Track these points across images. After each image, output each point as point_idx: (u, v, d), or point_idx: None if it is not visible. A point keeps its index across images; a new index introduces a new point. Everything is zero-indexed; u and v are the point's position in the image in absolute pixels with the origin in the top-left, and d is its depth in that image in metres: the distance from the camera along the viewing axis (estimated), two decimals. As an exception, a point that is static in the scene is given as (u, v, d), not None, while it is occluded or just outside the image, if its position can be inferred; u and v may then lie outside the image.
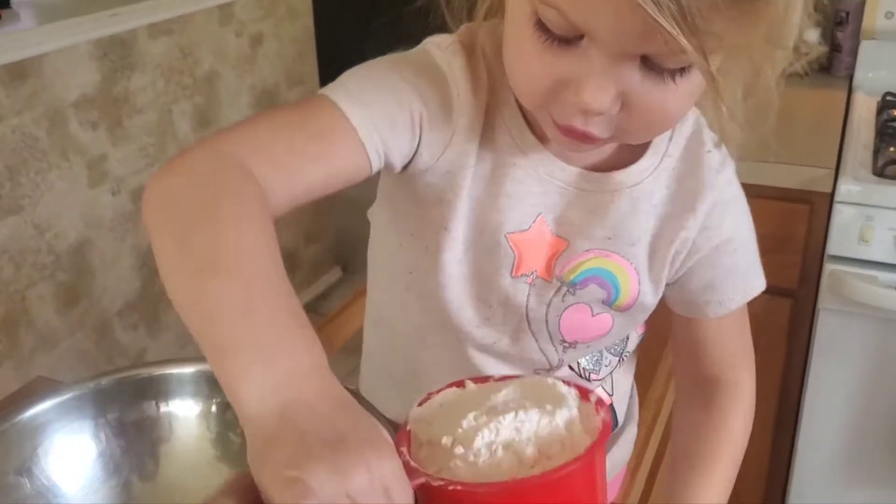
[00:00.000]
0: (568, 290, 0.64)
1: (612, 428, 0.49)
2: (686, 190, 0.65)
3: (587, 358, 0.73)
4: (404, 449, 0.47)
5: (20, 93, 1.79)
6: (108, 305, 2.10)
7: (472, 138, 0.61)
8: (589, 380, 0.73)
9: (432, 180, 0.63)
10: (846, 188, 1.39)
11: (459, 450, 0.45)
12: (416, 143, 0.61)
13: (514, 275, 0.63)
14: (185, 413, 0.71)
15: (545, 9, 0.50)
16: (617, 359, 0.75)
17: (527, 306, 0.64)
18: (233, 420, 0.70)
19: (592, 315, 0.65)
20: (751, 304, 1.58)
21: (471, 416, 0.47)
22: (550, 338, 0.66)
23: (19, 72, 1.78)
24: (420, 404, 0.50)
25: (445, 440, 0.46)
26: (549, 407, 0.46)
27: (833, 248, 1.43)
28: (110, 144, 2.03)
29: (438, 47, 0.63)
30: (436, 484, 0.44)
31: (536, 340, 0.66)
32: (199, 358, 0.68)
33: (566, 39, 0.51)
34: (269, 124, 0.57)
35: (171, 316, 2.26)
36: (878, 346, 1.45)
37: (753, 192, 1.51)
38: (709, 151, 0.66)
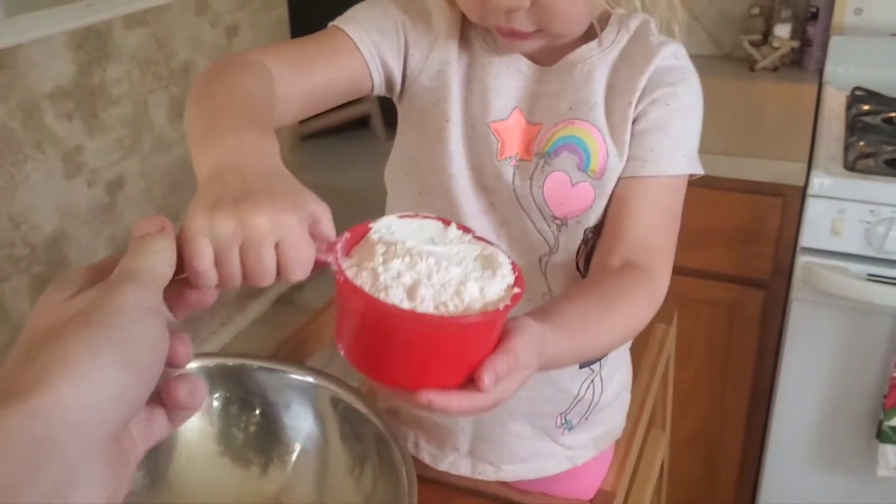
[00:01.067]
0: (545, 161, 0.72)
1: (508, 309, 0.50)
2: (634, 59, 0.73)
3: None
4: (346, 234, 0.53)
5: (-5, 84, 1.78)
6: (84, 298, 2.09)
7: (452, 41, 0.74)
8: None
9: (427, 83, 0.74)
10: (818, 182, 1.43)
11: (377, 262, 0.50)
12: (404, 45, 0.73)
13: (499, 158, 0.73)
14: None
15: None
16: None
17: (514, 185, 0.72)
18: (235, 415, 0.72)
19: (572, 184, 0.71)
20: (724, 294, 1.62)
21: (410, 243, 0.51)
22: (542, 214, 0.72)
23: (-7, 62, 1.77)
24: (402, 217, 0.56)
25: (379, 248, 0.51)
26: (475, 272, 0.51)
27: (805, 240, 1.47)
28: (86, 136, 2.02)
29: None
30: (333, 267, 0.50)
31: (531, 220, 0.73)
32: (198, 354, 0.69)
33: None
34: (285, 42, 0.72)
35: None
36: (848, 335, 1.50)
37: (726, 186, 1.56)
38: (653, 34, 0.74)
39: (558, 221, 0.73)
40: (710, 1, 2.01)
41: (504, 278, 0.51)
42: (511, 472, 0.86)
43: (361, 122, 4.08)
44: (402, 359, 0.50)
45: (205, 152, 0.54)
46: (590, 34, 0.73)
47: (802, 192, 1.47)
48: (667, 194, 0.73)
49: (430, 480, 0.83)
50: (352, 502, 0.68)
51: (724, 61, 2.03)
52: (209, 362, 0.74)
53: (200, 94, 0.61)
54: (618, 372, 0.87)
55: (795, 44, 1.90)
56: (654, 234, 0.72)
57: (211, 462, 0.71)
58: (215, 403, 0.73)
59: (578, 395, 0.83)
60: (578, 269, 0.76)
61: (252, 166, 0.52)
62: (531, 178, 0.72)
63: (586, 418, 0.85)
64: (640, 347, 1.05)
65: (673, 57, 0.73)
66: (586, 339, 0.63)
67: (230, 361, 0.75)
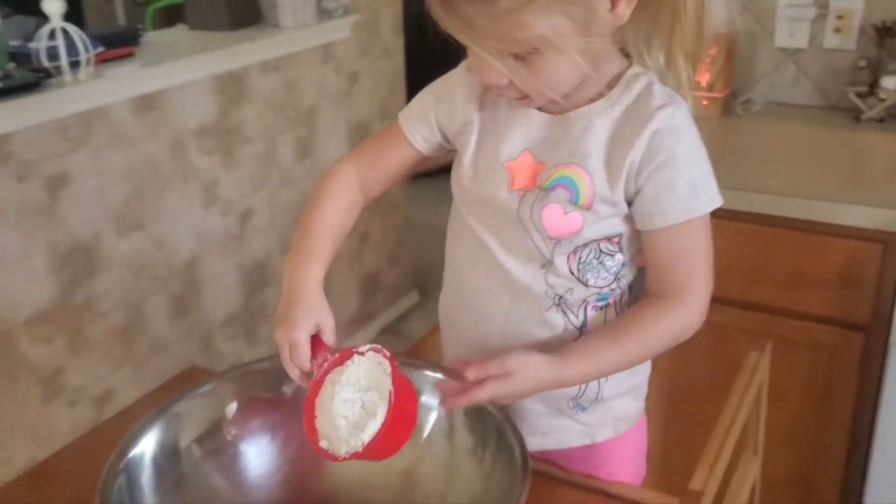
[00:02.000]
0: (544, 194, 0.87)
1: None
2: (634, 119, 0.85)
3: (597, 295, 0.91)
4: (336, 355, 0.81)
5: (148, 122, 1.99)
6: (212, 318, 2.27)
7: (472, 104, 0.92)
8: (598, 307, 0.92)
9: (456, 138, 0.94)
10: (919, 229, 1.47)
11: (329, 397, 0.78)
12: (435, 122, 0.95)
13: (510, 189, 0.89)
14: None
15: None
16: (619, 292, 0.92)
17: (518, 211, 0.89)
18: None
19: (565, 213, 0.86)
20: (824, 336, 1.66)
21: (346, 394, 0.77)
22: (539, 234, 0.88)
23: (147, 103, 1.98)
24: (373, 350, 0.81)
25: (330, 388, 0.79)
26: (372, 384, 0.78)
27: (906, 285, 1.51)
28: (223, 170, 2.22)
29: (459, 67, 0.95)
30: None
31: (531, 238, 0.89)
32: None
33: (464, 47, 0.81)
34: (365, 143, 1.01)
35: (266, 330, 2.43)
36: (948, 380, 1.52)
37: (828, 231, 1.62)
38: (655, 97, 0.85)
39: (553, 241, 0.88)
40: (816, 53, 2.08)
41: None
42: (534, 443, 0.95)
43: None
44: None
45: (285, 275, 0.89)
46: (602, 92, 0.87)
47: (903, 239, 1.51)
48: (685, 237, 0.86)
49: (545, 474, 0.93)
50: (473, 481, 0.79)
51: (829, 112, 2.08)
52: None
53: (303, 219, 0.93)
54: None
55: (901, 96, 1.93)
56: (681, 272, 0.87)
57: None
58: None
59: (582, 386, 0.95)
60: (572, 273, 0.90)
61: (292, 297, 0.86)
62: (531, 206, 0.88)
63: (598, 402, 0.97)
64: (732, 372, 1.12)
65: (668, 119, 0.84)
66: (602, 358, 0.86)
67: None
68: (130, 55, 2.01)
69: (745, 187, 1.66)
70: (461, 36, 0.77)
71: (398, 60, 2.86)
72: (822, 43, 2.05)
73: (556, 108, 0.87)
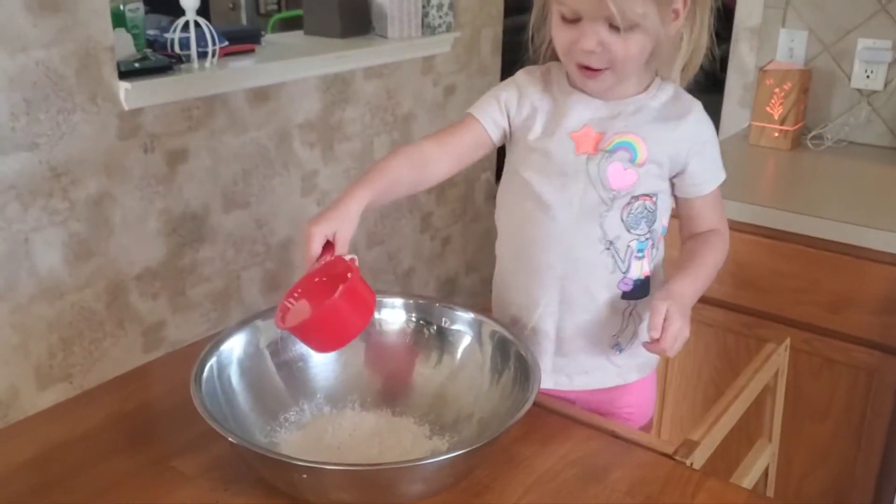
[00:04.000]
0: (608, 154, 1.09)
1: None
2: (677, 106, 1.12)
3: (637, 242, 1.13)
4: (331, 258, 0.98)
5: (261, 112, 2.22)
6: (299, 296, 2.48)
7: (535, 93, 1.13)
8: (638, 257, 1.14)
9: (522, 122, 1.14)
10: (958, 259, 1.55)
11: None
12: (505, 111, 1.15)
13: (576, 153, 1.10)
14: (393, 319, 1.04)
15: (561, 6, 1.03)
16: (650, 243, 1.14)
17: (587, 169, 1.10)
18: (421, 328, 1.03)
19: (624, 170, 1.09)
20: (865, 359, 1.73)
21: None
22: (603, 187, 1.09)
23: (262, 95, 2.22)
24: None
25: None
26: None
27: (943, 311, 1.58)
28: (322, 163, 2.44)
29: (517, 74, 1.19)
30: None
31: (595, 190, 1.10)
32: (404, 294, 1.01)
33: (573, 20, 1.02)
34: (441, 129, 1.18)
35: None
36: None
37: (873, 257, 1.70)
38: (685, 95, 1.14)
39: (613, 192, 1.10)
40: (891, 96, 2.16)
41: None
42: (580, 382, 1.17)
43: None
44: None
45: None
46: (639, 92, 1.12)
47: (941, 266, 1.59)
48: (715, 196, 1.16)
49: (561, 414, 1.08)
50: (493, 397, 0.95)
51: (898, 153, 2.15)
52: (410, 300, 1.06)
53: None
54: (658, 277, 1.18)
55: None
56: (715, 218, 1.17)
57: (406, 350, 1.03)
58: (412, 321, 1.04)
59: (623, 320, 1.15)
60: (622, 220, 1.12)
61: (333, 203, 1.03)
62: (598, 164, 1.10)
63: (631, 343, 1.16)
64: (747, 358, 1.25)
65: (701, 111, 1.13)
66: (703, 274, 1.10)
67: (421, 300, 1.08)
68: (251, 51, 2.25)
69: (800, 210, 1.76)
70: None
71: (494, 78, 3.04)
72: (896, 86, 2.14)
73: (608, 97, 1.11)
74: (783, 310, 1.80)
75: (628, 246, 1.11)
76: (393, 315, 1.07)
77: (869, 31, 2.14)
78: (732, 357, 1.88)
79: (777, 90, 2.14)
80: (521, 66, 1.18)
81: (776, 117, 2.16)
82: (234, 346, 0.99)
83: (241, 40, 2.23)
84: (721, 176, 1.16)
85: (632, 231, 1.11)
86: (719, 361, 1.90)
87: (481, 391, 0.99)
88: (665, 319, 0.99)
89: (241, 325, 1.02)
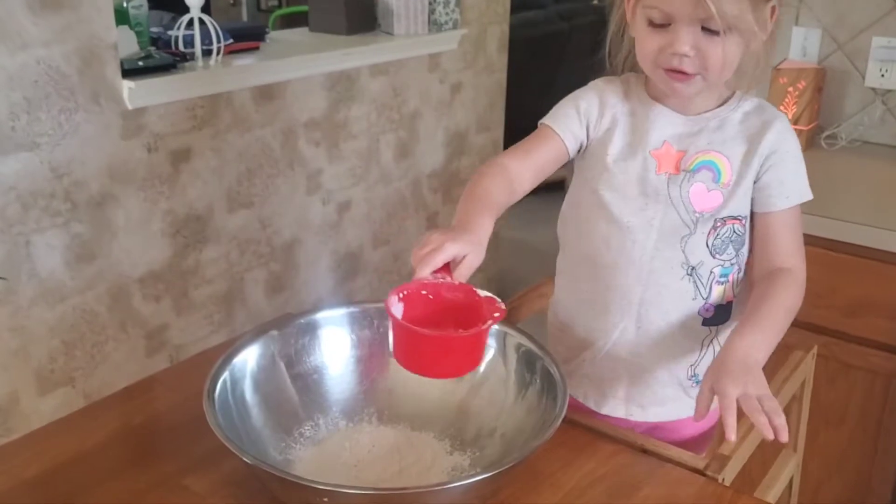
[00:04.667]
0: (690, 175, 1.04)
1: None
2: (760, 117, 1.06)
3: (721, 268, 1.07)
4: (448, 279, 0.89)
5: (266, 110, 2.18)
6: (305, 298, 2.45)
7: (617, 105, 1.09)
8: (721, 282, 1.08)
9: (600, 136, 1.09)
10: (981, 263, 1.52)
11: None
12: (585, 123, 1.09)
13: (657, 173, 1.05)
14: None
15: (650, 11, 0.97)
16: (737, 268, 1.08)
17: (668, 190, 1.05)
18: None
19: (708, 191, 1.04)
20: (883, 363, 1.70)
21: None
22: (686, 210, 1.04)
23: (266, 93, 2.18)
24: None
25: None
26: None
27: (965, 316, 1.55)
28: (327, 162, 2.40)
29: (592, 82, 1.13)
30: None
31: (678, 213, 1.05)
32: None
33: (662, 25, 0.97)
34: (519, 144, 1.11)
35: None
36: None
37: (890, 259, 1.66)
38: (768, 107, 1.08)
39: (697, 215, 1.05)
40: (911, 99, 2.13)
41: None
42: (653, 413, 1.13)
43: (558, 186, 4.35)
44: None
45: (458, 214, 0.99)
46: (719, 105, 1.07)
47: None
48: (793, 218, 1.07)
49: (587, 427, 1.04)
50: (517, 413, 0.92)
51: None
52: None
53: (466, 191, 1.02)
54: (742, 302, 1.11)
55: None
56: (791, 248, 1.06)
57: None
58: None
59: (702, 349, 1.09)
60: (707, 246, 1.05)
61: (466, 226, 0.94)
62: (680, 185, 1.05)
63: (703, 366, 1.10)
64: (775, 365, 1.21)
65: (785, 122, 1.06)
66: (775, 327, 0.99)
67: None
68: (256, 49, 2.21)
69: (816, 212, 1.73)
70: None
71: (501, 76, 3.00)
72: (911, 85, 2.10)
73: (689, 111, 1.06)
74: (801, 314, 1.76)
75: (711, 272, 1.06)
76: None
77: (883, 29, 2.11)
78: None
79: (791, 89, 2.11)
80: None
81: (790, 117, 2.13)
82: (248, 359, 0.95)
83: (246, 38, 2.19)
84: (803, 195, 1.06)
85: (717, 257, 1.06)
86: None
87: (505, 406, 0.95)
88: (720, 397, 0.87)
89: (255, 335, 0.98)
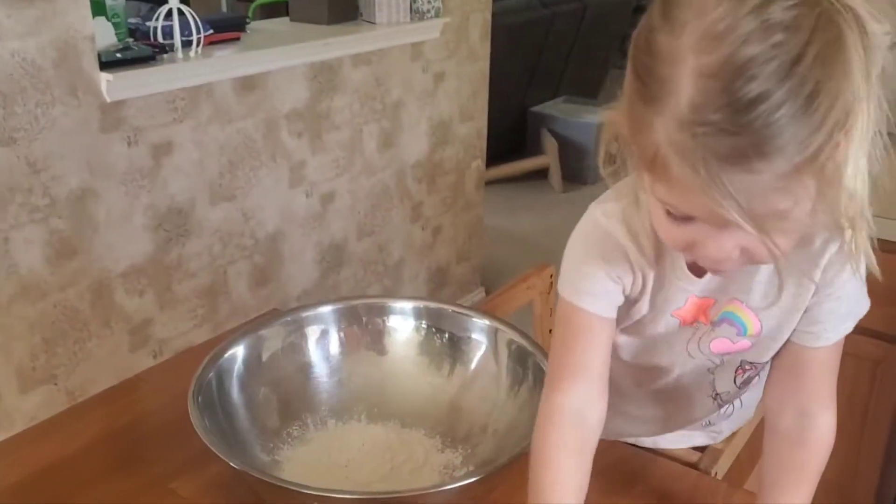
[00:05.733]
0: (710, 329, 0.88)
1: None
2: (801, 259, 0.82)
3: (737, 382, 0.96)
4: None
5: (248, 101, 2.16)
6: (289, 291, 2.43)
7: (643, 261, 0.86)
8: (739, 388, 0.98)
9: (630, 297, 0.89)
10: (968, 249, 1.51)
11: None
12: (622, 292, 0.87)
13: (681, 326, 0.89)
14: (402, 327, 0.98)
15: (664, 204, 0.72)
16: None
17: (687, 347, 0.90)
18: (430, 336, 0.97)
19: (733, 343, 0.88)
20: (870, 349, 1.71)
21: None
22: (707, 358, 0.92)
23: (248, 84, 2.15)
24: None
25: None
26: None
27: (951, 303, 1.55)
28: (310, 153, 2.38)
29: (605, 216, 0.86)
30: None
31: (701, 353, 0.91)
32: (412, 297, 0.96)
33: (686, 219, 0.71)
34: (558, 360, 0.87)
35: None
36: None
37: (884, 248, 1.65)
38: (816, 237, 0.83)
39: (720, 356, 0.92)
40: (889, 79, 2.12)
41: None
42: (665, 442, 1.08)
43: (541, 174, 4.35)
44: None
45: None
46: None
47: (952, 258, 1.55)
48: (834, 354, 0.89)
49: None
50: (510, 410, 0.90)
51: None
52: (420, 304, 1.00)
53: (534, 476, 0.83)
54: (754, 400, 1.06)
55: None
56: (824, 388, 0.89)
57: (413, 362, 0.97)
58: (422, 328, 0.98)
59: (720, 413, 1.04)
60: (735, 382, 0.97)
61: None
62: (699, 341, 0.90)
63: (722, 417, 1.05)
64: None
65: (837, 250, 0.82)
66: (808, 495, 0.88)
67: (433, 304, 1.01)
68: (236, 39, 2.18)
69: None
70: (710, 206, 0.66)
71: (483, 64, 2.98)
72: None
73: None
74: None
75: (737, 388, 0.99)
76: (402, 322, 1.01)
77: (868, 14, 2.10)
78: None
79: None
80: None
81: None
82: (234, 359, 0.93)
83: (226, 28, 2.16)
84: (847, 328, 0.87)
85: (743, 388, 0.98)
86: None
87: (497, 402, 0.94)
88: None
89: (241, 335, 0.96)
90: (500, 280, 3.40)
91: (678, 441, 1.08)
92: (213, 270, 2.19)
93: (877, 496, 1.80)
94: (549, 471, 0.81)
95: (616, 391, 0.91)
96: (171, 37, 1.98)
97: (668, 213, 0.72)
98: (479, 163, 3.10)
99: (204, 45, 2.03)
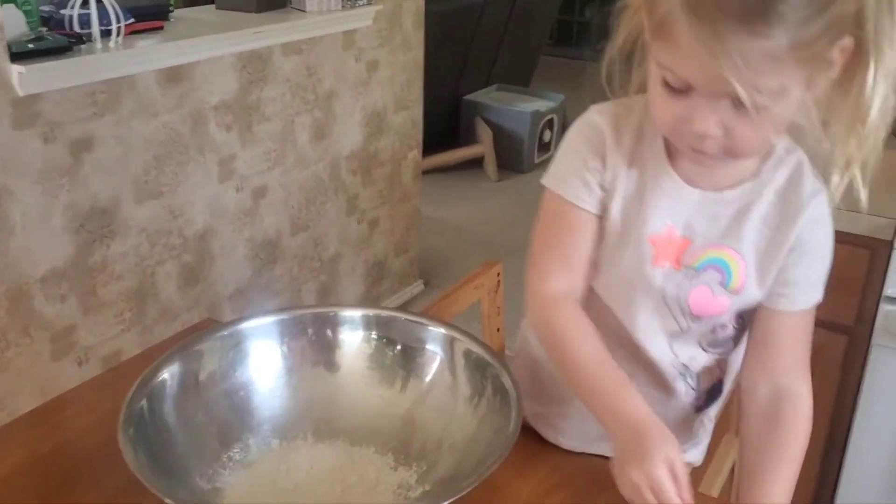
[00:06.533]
0: (693, 274, 0.86)
1: None
2: (789, 204, 0.85)
3: (714, 359, 0.95)
4: None
5: (172, 94, 2.06)
6: (221, 290, 2.34)
7: (620, 168, 0.88)
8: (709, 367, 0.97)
9: (604, 199, 0.89)
10: (906, 236, 1.53)
11: None
12: (599, 183, 0.89)
13: (653, 265, 0.87)
14: (350, 338, 0.92)
15: (664, 71, 0.75)
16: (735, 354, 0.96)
17: (664, 289, 0.87)
18: (381, 348, 0.92)
19: (713, 295, 0.86)
20: (820, 338, 1.71)
21: None
22: (682, 312, 0.88)
23: (172, 75, 2.05)
24: None
25: None
26: None
27: (890, 290, 1.57)
28: (240, 146, 2.28)
29: (598, 112, 0.90)
30: None
31: (672, 316, 0.89)
32: (362, 306, 0.90)
33: (681, 90, 0.75)
34: (540, 251, 0.91)
35: (276, 305, 2.49)
36: (926, 383, 1.58)
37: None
38: (806, 180, 0.86)
39: (694, 317, 0.89)
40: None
41: None
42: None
43: (476, 163, 4.31)
44: None
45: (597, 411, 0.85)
46: (755, 167, 0.86)
47: (890, 246, 1.57)
48: (806, 321, 0.91)
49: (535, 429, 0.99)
50: (469, 423, 0.86)
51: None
52: (370, 312, 0.94)
53: (566, 360, 0.88)
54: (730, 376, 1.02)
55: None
56: (797, 358, 0.91)
57: (361, 375, 0.92)
58: (372, 338, 0.93)
59: (692, 434, 1.02)
60: (701, 347, 0.94)
61: (636, 431, 0.79)
62: (678, 286, 0.87)
63: (695, 445, 1.04)
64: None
65: (820, 207, 0.86)
66: (792, 477, 0.89)
67: (384, 313, 0.95)
68: (159, 29, 2.07)
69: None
70: (712, 68, 0.70)
71: (417, 53, 2.92)
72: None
73: (709, 184, 0.86)
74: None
75: (704, 365, 0.95)
76: (350, 333, 0.95)
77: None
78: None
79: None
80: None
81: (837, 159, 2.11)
82: (167, 380, 0.86)
83: (148, 17, 2.05)
84: (818, 296, 0.90)
85: (710, 351, 0.94)
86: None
87: (454, 416, 0.89)
88: None
89: (175, 352, 0.89)
90: (439, 271, 3.36)
91: None
92: (141, 272, 2.09)
93: (818, 481, 1.82)
94: (583, 347, 0.85)
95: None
96: (89, 26, 1.87)
97: (666, 84, 0.76)
98: (415, 153, 3.04)
99: (125, 35, 1.93)
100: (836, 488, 1.76)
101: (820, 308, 1.69)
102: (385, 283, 3.05)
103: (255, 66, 2.27)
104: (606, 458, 0.88)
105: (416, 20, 2.87)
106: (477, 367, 0.89)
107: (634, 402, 0.82)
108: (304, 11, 2.39)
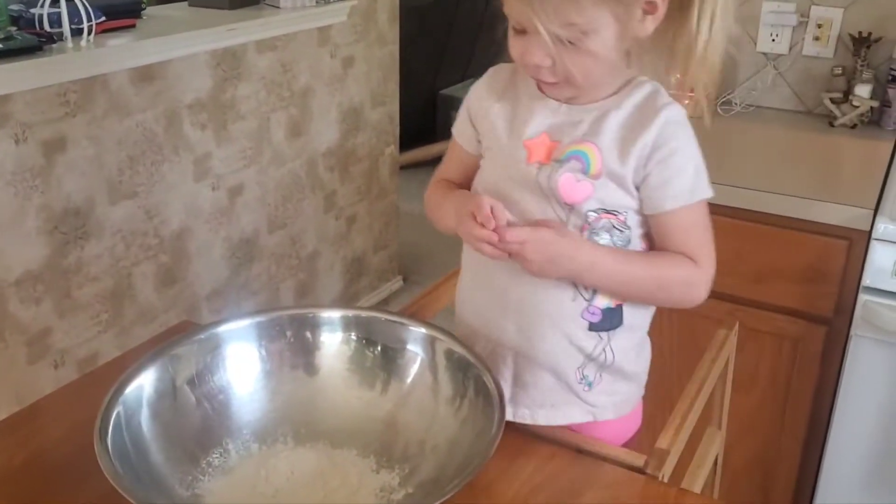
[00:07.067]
0: (558, 164, 0.98)
1: None
2: (645, 111, 0.97)
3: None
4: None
5: (146, 93, 2.03)
6: (198, 290, 2.31)
7: (491, 99, 1.05)
8: None
9: (481, 129, 1.07)
10: (883, 227, 1.54)
11: None
12: (471, 119, 1.08)
13: (528, 162, 0.99)
14: (330, 340, 0.91)
15: (510, 19, 0.93)
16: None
17: (538, 179, 0.99)
18: (361, 349, 0.91)
19: (577, 181, 0.97)
20: (789, 327, 1.73)
21: None
22: (557, 202, 0.98)
23: (145, 74, 2.02)
24: None
25: None
26: None
27: (868, 280, 1.58)
28: (215, 144, 2.26)
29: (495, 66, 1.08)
30: None
31: (552, 207, 0.99)
32: (341, 307, 0.89)
33: (519, 31, 0.93)
34: (444, 163, 1.15)
35: (251, 306, 2.48)
36: (904, 372, 1.59)
37: (798, 226, 1.68)
38: (661, 96, 0.98)
39: (567, 207, 0.98)
40: (795, 60, 2.15)
41: None
42: (543, 416, 1.02)
43: (454, 158, 4.29)
44: None
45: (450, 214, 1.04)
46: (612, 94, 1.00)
47: (868, 236, 1.58)
48: (692, 216, 0.98)
49: (517, 428, 0.99)
50: (451, 424, 0.85)
51: (805, 116, 2.15)
52: (349, 313, 0.93)
53: (434, 205, 1.12)
54: (631, 350, 1.05)
55: (875, 103, 2.01)
56: (692, 246, 0.99)
57: (340, 377, 0.90)
58: (352, 340, 0.92)
59: (591, 354, 1.01)
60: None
61: (462, 200, 0.99)
62: (549, 176, 0.98)
63: (601, 377, 1.03)
64: (702, 347, 1.19)
65: (675, 113, 0.97)
66: (626, 267, 0.96)
67: (363, 313, 0.94)
68: (132, 27, 2.05)
69: (718, 181, 1.72)
70: (526, 12, 0.88)
71: (393, 48, 2.90)
72: (801, 50, 2.13)
73: (574, 101, 1.00)
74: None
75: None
76: (330, 334, 0.94)
77: (774, -7, 2.12)
78: (657, 333, 1.84)
79: (687, 56, 2.10)
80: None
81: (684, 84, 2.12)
82: (143, 386, 0.84)
83: (120, 15, 2.02)
84: (699, 194, 0.97)
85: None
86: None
87: (436, 417, 0.88)
88: (531, 229, 0.93)
89: (152, 356, 0.88)
90: (418, 267, 3.35)
91: (554, 417, 1.04)
92: (117, 273, 2.06)
93: (799, 472, 1.83)
94: (435, 197, 1.10)
95: (475, 273, 1.06)
96: (59, 25, 1.84)
97: (512, 28, 0.94)
98: (392, 149, 3.03)
99: (96, 34, 1.90)
100: (818, 477, 1.77)
101: (798, 299, 1.72)
102: (364, 279, 3.03)
103: (229, 63, 2.25)
104: (588, 452, 0.88)
105: (392, 15, 2.86)
106: (459, 368, 0.88)
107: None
108: (277, 8, 2.37)
